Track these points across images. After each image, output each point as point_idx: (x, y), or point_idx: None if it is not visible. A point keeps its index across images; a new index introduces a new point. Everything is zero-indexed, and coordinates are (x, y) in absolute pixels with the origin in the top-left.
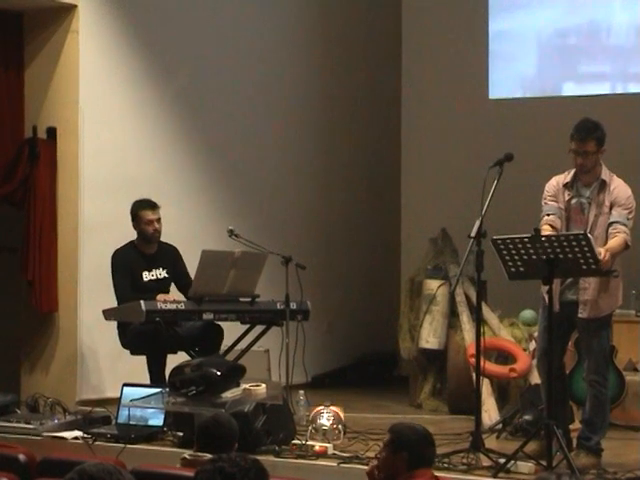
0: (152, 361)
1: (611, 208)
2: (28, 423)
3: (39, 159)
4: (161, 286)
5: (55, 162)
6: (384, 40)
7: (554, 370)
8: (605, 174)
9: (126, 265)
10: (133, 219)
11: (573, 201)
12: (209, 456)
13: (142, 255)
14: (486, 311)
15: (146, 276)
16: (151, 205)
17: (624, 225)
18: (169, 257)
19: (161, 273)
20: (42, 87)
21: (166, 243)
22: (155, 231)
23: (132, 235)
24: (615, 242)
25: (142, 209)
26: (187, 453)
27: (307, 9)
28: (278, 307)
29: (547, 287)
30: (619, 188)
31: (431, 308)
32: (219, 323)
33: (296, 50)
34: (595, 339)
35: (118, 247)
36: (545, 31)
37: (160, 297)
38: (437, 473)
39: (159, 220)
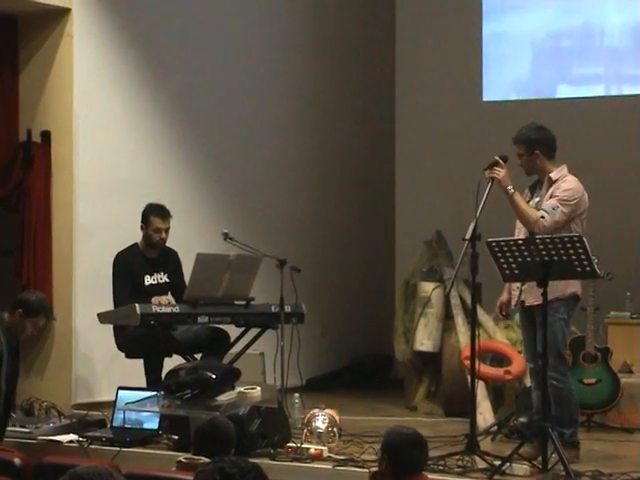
0: (148, 364)
1: None
2: (23, 427)
3: (33, 163)
4: (161, 290)
5: (49, 166)
6: (378, 43)
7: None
8: (556, 173)
9: (127, 269)
10: (142, 221)
11: (530, 202)
12: (205, 459)
13: (144, 259)
14: (481, 313)
15: (147, 280)
16: (163, 213)
17: (546, 212)
18: (171, 261)
19: (162, 277)
20: (36, 91)
21: (167, 247)
22: (161, 239)
23: (127, 238)
24: (527, 205)
25: (154, 215)
26: (183, 456)
27: (302, 15)
28: (273, 310)
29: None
30: (564, 182)
31: (426, 311)
32: (223, 327)
33: (291, 57)
34: (548, 332)
35: (121, 249)
36: (539, 33)
37: (155, 299)
38: (432, 476)
39: (167, 230)
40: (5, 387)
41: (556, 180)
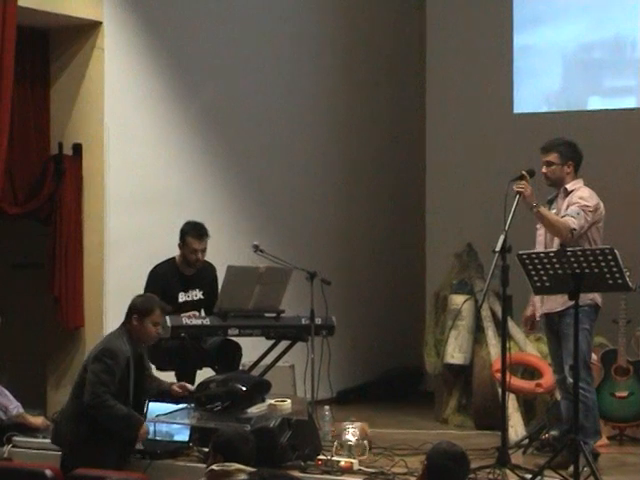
0: (181, 377)
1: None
2: None
3: (65, 175)
4: (194, 308)
5: (81, 178)
6: (408, 55)
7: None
8: (572, 184)
9: (159, 287)
10: (180, 239)
11: None
12: (237, 466)
13: (181, 275)
14: (512, 326)
15: (182, 297)
16: (200, 234)
17: (572, 217)
18: (207, 277)
19: (197, 294)
20: (68, 104)
21: (206, 261)
22: (197, 260)
23: (157, 251)
24: (555, 216)
25: (190, 236)
26: (214, 465)
27: (332, 28)
28: (303, 322)
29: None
30: (578, 191)
31: (456, 323)
32: (237, 340)
33: (322, 71)
34: (568, 342)
35: (159, 262)
36: (570, 45)
37: (183, 315)
38: None
39: (204, 250)
40: (133, 391)
41: (572, 190)
